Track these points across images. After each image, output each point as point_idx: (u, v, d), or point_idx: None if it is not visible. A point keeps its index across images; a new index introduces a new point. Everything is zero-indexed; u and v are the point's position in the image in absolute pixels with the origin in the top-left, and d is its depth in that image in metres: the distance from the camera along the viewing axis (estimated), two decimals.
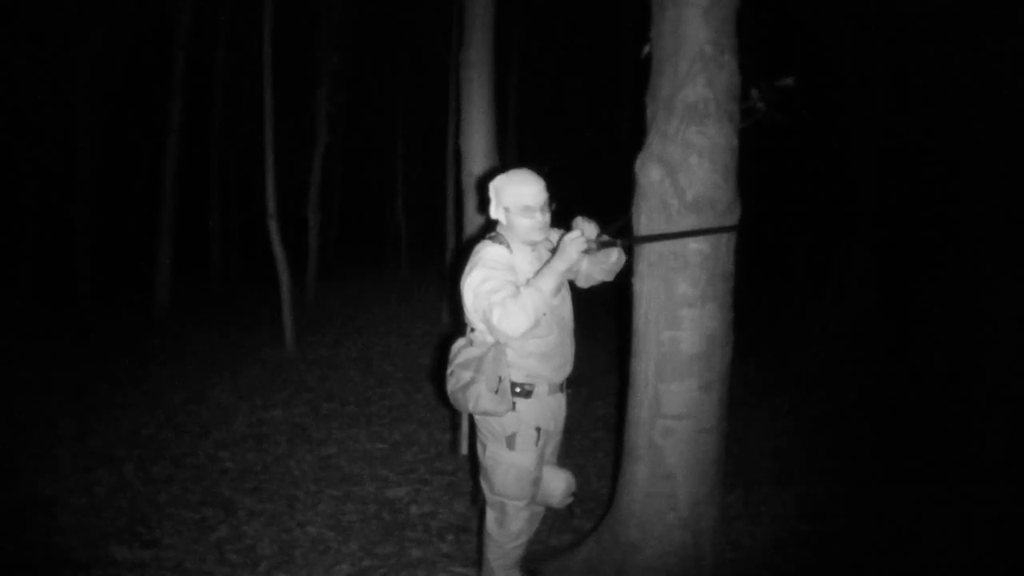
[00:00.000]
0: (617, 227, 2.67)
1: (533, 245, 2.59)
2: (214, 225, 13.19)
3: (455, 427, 4.43)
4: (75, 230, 11.32)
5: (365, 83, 13.34)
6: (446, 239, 8.73)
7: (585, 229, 2.53)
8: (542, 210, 2.52)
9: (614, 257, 2.66)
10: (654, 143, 2.65)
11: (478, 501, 2.97)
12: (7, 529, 3.48)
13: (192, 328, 8.81)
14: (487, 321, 2.39)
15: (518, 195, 2.50)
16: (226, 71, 12.74)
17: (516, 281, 2.45)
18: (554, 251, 2.56)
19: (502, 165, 5.26)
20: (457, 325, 2.87)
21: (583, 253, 2.43)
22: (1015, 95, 7.14)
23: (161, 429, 4.95)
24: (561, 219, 2.62)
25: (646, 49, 2.73)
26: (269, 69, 7.24)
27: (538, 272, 2.46)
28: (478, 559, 3.08)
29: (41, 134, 11.54)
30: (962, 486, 3.82)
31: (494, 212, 2.59)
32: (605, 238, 2.56)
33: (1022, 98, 7.07)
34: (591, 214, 2.62)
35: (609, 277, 2.72)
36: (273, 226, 7.37)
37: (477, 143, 5.18)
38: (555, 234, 2.65)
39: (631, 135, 3.00)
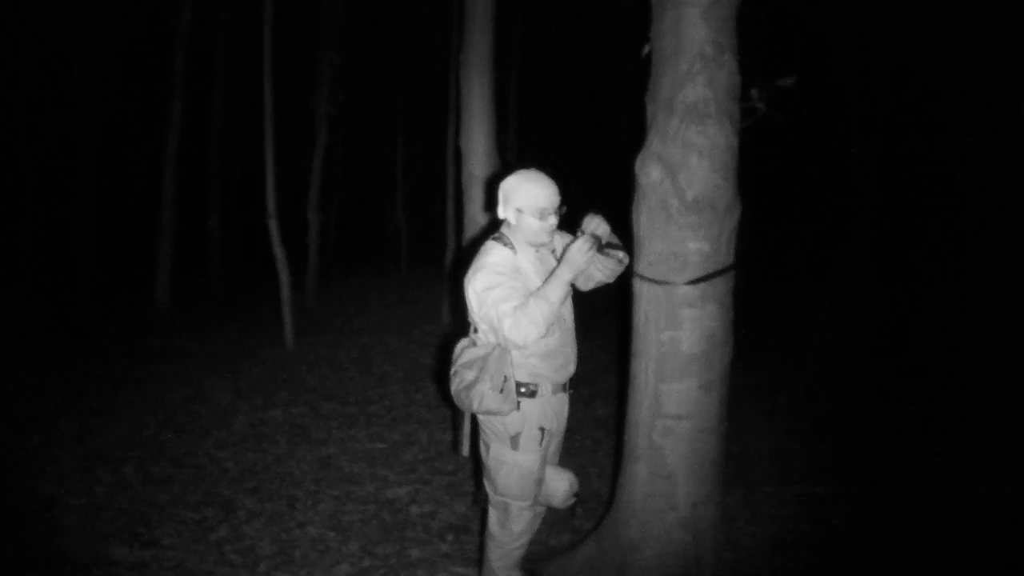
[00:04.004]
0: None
1: (537, 247, 2.59)
2: (214, 225, 13.19)
3: (456, 427, 4.42)
4: (75, 230, 11.31)
5: (365, 83, 13.33)
6: (446, 239, 8.73)
7: (598, 227, 2.53)
8: (554, 213, 2.52)
9: (612, 264, 2.65)
10: (654, 143, 2.65)
11: (479, 501, 2.97)
12: (7, 529, 3.48)
13: (192, 328, 8.81)
14: (496, 329, 2.40)
15: (532, 196, 2.49)
16: (226, 71, 12.74)
17: (522, 286, 2.46)
18: (557, 256, 2.57)
19: (503, 165, 5.27)
20: (459, 325, 2.87)
21: (589, 251, 2.42)
22: (1015, 95, 7.14)
23: (161, 429, 4.95)
24: (567, 221, 2.62)
25: (646, 49, 2.72)
26: (269, 69, 7.24)
27: (546, 281, 2.46)
28: (479, 559, 3.08)
29: (41, 134, 11.54)
30: (962, 486, 3.82)
31: (503, 212, 2.58)
32: (614, 241, 2.55)
33: (1022, 98, 7.07)
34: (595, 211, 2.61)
35: (610, 279, 2.72)
36: (273, 226, 7.38)
37: (478, 143, 5.19)
38: (559, 238, 2.65)
39: (631, 135, 3.00)
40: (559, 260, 2.50)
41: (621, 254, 2.60)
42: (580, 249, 2.40)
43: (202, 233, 13.13)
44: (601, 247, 2.48)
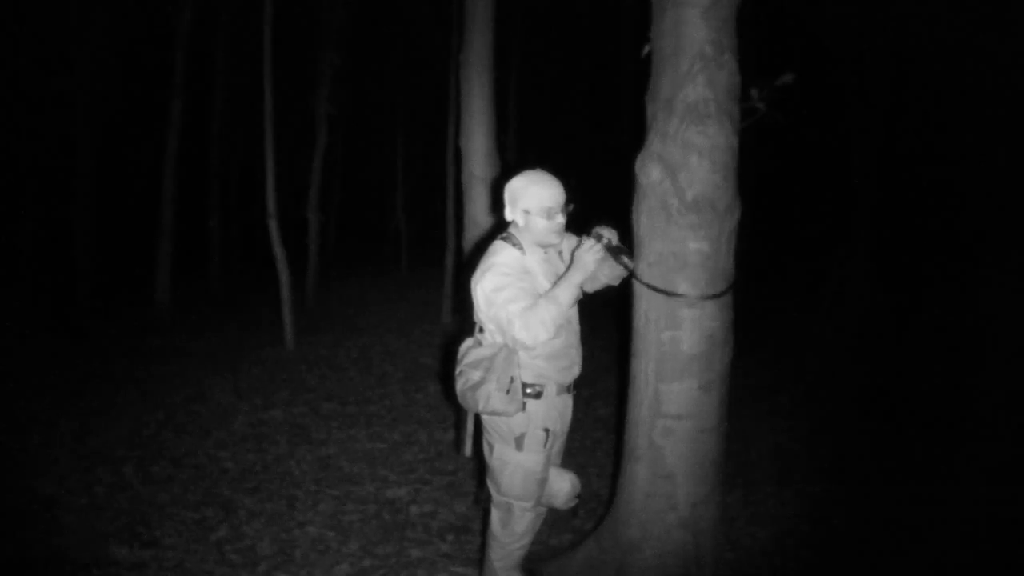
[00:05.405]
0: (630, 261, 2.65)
1: (546, 248, 2.59)
2: (214, 225, 13.19)
3: (459, 427, 4.42)
4: (75, 230, 11.32)
5: (365, 83, 13.33)
6: (446, 239, 8.74)
7: (605, 234, 2.53)
8: (561, 211, 2.52)
9: (620, 270, 2.68)
10: (654, 143, 2.65)
11: (481, 501, 2.97)
12: (7, 529, 3.48)
13: (192, 328, 8.81)
14: (504, 330, 2.40)
15: (539, 197, 2.50)
16: (226, 71, 12.74)
17: (530, 287, 2.46)
18: (564, 258, 2.57)
19: (503, 165, 5.27)
20: (461, 325, 2.87)
21: (598, 251, 2.44)
22: (1015, 95, 7.13)
23: (161, 429, 4.95)
24: (575, 221, 2.62)
25: (646, 49, 2.72)
26: (269, 69, 7.24)
27: (555, 284, 2.47)
28: (479, 559, 3.08)
29: (41, 134, 11.53)
30: (962, 486, 3.82)
31: (510, 214, 2.58)
32: (623, 249, 2.55)
33: (1022, 98, 7.06)
34: (599, 217, 2.62)
35: (615, 282, 2.74)
36: (273, 226, 7.38)
37: (478, 143, 5.19)
38: (566, 241, 2.66)
39: (631, 135, 3.01)
40: (569, 263, 2.50)
41: (627, 259, 2.60)
42: (590, 250, 2.42)
43: (202, 233, 13.14)
44: (610, 249, 2.48)
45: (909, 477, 4.04)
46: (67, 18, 10.45)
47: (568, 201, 2.55)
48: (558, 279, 2.50)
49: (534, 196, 2.50)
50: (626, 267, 2.58)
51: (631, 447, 2.83)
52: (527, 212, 2.51)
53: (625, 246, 2.60)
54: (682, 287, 2.63)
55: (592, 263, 2.42)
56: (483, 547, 2.91)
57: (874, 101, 9.39)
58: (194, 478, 4.14)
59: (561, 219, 2.53)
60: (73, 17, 10.40)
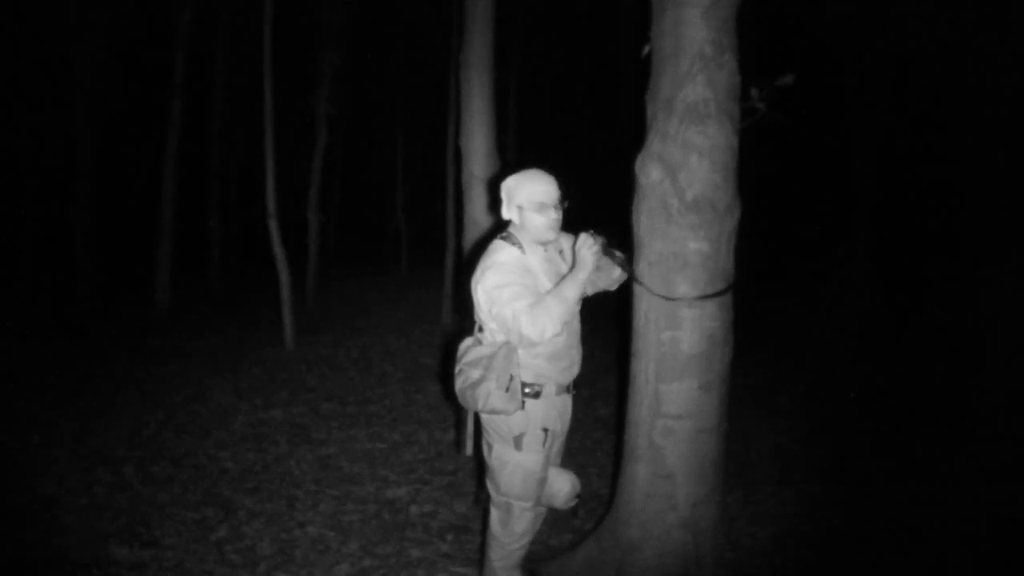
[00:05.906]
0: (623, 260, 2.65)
1: (545, 245, 2.60)
2: (214, 225, 13.20)
3: (458, 426, 4.42)
4: (75, 230, 11.33)
5: (365, 83, 13.34)
6: (446, 239, 8.74)
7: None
8: (555, 207, 2.53)
9: (616, 273, 2.69)
10: (654, 143, 2.65)
11: (481, 501, 2.97)
12: (7, 529, 3.48)
13: (192, 328, 8.81)
14: (510, 328, 2.41)
15: (532, 192, 2.51)
16: (226, 71, 12.75)
17: (532, 285, 2.47)
18: (565, 256, 2.57)
19: (503, 165, 5.27)
20: (462, 324, 2.88)
21: (594, 245, 2.45)
22: (1015, 95, 7.14)
23: (161, 429, 4.95)
24: (575, 222, 2.63)
25: (646, 49, 2.73)
26: (269, 69, 7.25)
27: (561, 282, 2.48)
28: (479, 559, 3.08)
29: (41, 134, 11.55)
30: (962, 486, 3.82)
31: (506, 212, 2.60)
32: (615, 252, 2.55)
33: (1022, 98, 7.07)
34: (595, 218, 2.62)
35: (613, 287, 2.74)
36: (273, 226, 7.39)
37: (478, 143, 5.20)
38: (565, 238, 2.66)
39: (631, 135, 3.01)
40: (572, 262, 2.51)
41: (620, 258, 2.60)
42: (584, 244, 2.43)
43: (202, 233, 13.14)
44: (605, 251, 2.49)
45: (909, 477, 4.04)
46: (67, 18, 10.45)
47: (563, 198, 2.55)
48: (562, 278, 2.50)
49: (527, 192, 2.51)
50: (623, 269, 2.58)
51: (631, 447, 2.83)
52: (521, 208, 2.53)
53: (618, 251, 2.59)
54: (682, 287, 2.63)
55: (590, 257, 2.43)
56: (483, 547, 2.91)
57: (874, 101, 9.39)
58: (194, 478, 4.14)
59: (555, 215, 2.53)
60: (73, 17, 10.42)
